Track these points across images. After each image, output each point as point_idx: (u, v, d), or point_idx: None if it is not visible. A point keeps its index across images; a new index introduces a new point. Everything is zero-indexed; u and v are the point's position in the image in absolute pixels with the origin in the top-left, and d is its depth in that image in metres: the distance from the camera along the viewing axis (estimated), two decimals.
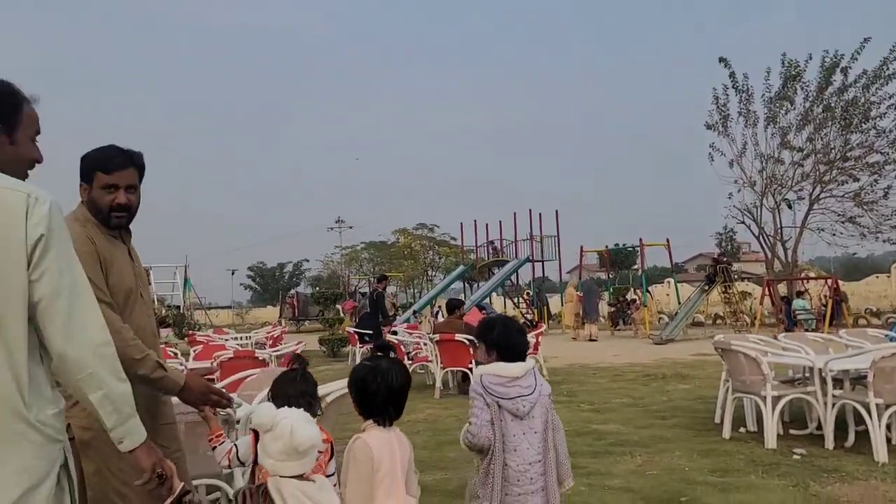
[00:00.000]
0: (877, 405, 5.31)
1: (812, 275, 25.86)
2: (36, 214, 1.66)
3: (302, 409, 2.20)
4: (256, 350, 8.88)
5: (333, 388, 4.53)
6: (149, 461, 1.84)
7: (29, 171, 1.87)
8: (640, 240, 24.48)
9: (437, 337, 9.70)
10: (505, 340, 2.91)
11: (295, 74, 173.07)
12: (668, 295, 32.95)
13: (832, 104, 22.54)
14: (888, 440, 5.46)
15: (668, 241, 24.80)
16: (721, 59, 23.90)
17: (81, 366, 1.71)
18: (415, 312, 26.36)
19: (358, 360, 14.65)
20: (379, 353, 2.47)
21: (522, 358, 2.92)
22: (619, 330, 23.71)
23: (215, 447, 2.31)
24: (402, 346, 10.99)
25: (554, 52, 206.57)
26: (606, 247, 28.78)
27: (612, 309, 25.30)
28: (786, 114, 23.42)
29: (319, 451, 2.18)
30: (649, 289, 24.46)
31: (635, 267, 43.07)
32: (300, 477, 2.08)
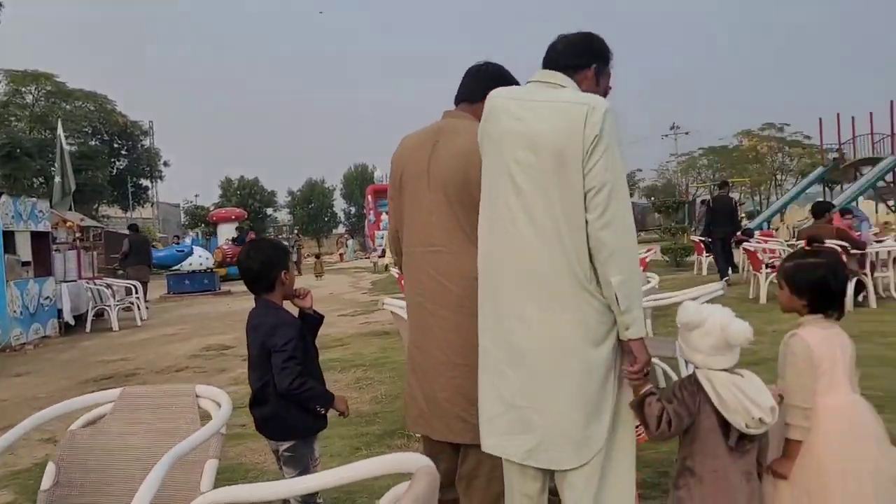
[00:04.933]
0: None
1: None
2: (592, 119, 2.02)
3: (721, 306, 2.22)
4: None
5: (703, 292, 4.49)
6: (644, 356, 2.10)
7: None
8: None
9: (802, 244, 8.86)
10: None
11: None
12: None
13: None
14: None
15: None
16: None
17: (609, 249, 2.01)
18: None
19: (704, 271, 14.22)
20: (807, 248, 2.41)
21: None
22: None
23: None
24: (757, 255, 10.30)
25: None
26: None
27: None
28: None
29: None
30: None
31: None
32: (726, 370, 2.11)
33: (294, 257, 29.00)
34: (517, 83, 2.65)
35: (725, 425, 2.05)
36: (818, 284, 2.32)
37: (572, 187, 2.03)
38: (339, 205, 66.37)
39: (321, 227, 62.86)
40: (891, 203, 25.51)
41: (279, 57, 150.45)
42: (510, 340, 2.15)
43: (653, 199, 40.91)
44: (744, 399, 2.01)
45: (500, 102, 2.23)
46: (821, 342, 2.25)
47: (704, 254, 14.39)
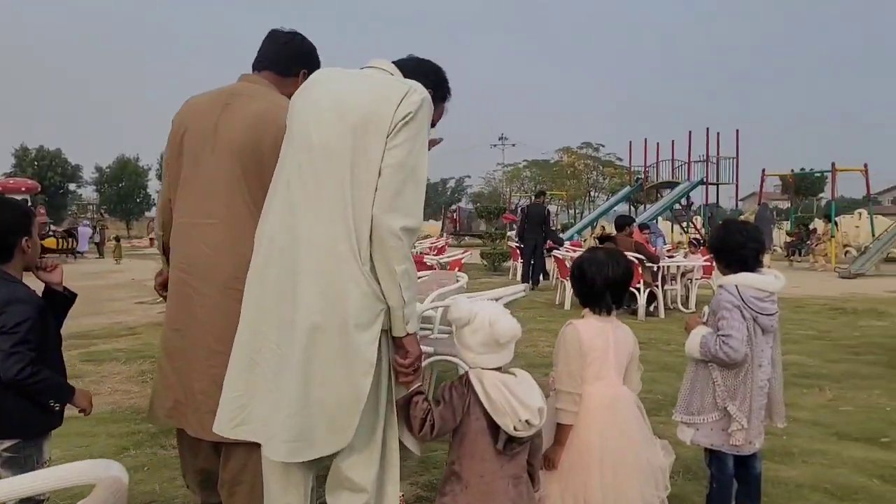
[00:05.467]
0: None
1: None
2: (410, 98, 1.92)
3: (496, 303, 2.14)
4: (424, 257, 9.09)
5: (506, 293, 4.51)
6: (417, 349, 1.98)
7: None
8: (833, 164, 22.15)
9: None
10: (748, 243, 2.77)
11: None
12: (857, 227, 29.93)
13: None
14: None
15: (865, 166, 22.28)
16: None
17: (395, 235, 1.86)
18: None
19: (519, 276, 14.79)
20: (599, 245, 2.44)
21: (760, 264, 2.79)
22: (795, 261, 21.96)
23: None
24: (565, 263, 10.83)
25: None
26: (792, 171, 26.37)
27: (791, 239, 23.38)
28: None
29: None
30: (836, 219, 22.28)
31: (821, 195, 39.49)
32: (499, 369, 2.02)
33: (97, 238, 26.63)
34: (320, 66, 2.51)
35: (495, 427, 1.96)
36: (576, 275, 2.43)
37: (370, 160, 1.89)
38: (154, 186, 61.86)
39: (132, 209, 58.26)
40: (684, 224, 28.19)
41: (92, 19, 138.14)
42: (278, 313, 1.94)
43: (477, 204, 42.28)
44: (512, 400, 1.93)
45: (320, 75, 2.13)
46: (594, 334, 2.32)
47: (520, 259, 14.96)
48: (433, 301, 4.74)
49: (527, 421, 1.91)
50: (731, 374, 2.68)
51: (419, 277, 5.90)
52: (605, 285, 2.36)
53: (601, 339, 2.32)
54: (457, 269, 8.09)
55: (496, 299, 4.46)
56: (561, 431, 2.26)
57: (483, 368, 2.00)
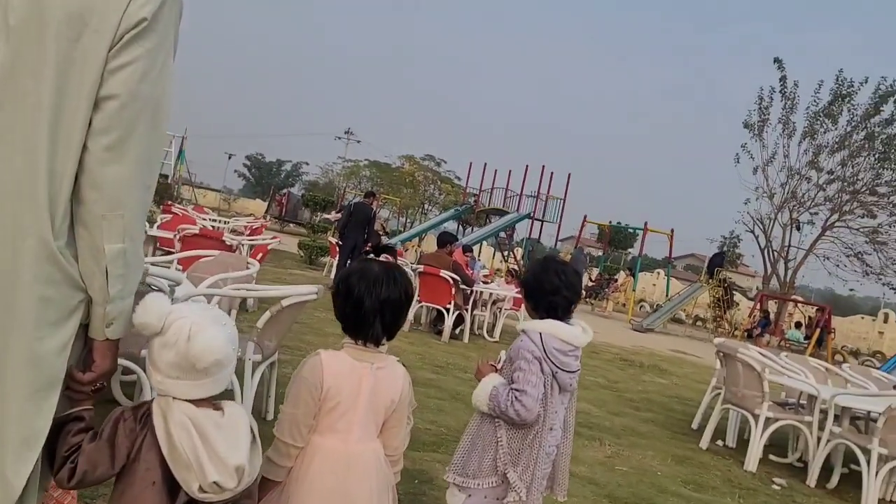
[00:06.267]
0: (879, 454, 4.80)
1: (799, 299, 25.34)
2: None
3: (213, 307, 1.56)
4: (228, 234, 8.21)
5: (295, 292, 3.93)
6: (108, 364, 1.40)
7: None
8: (646, 224, 23.80)
9: (420, 268, 9.08)
10: (563, 290, 2.42)
11: None
12: (654, 285, 32.50)
13: (875, 133, 21.70)
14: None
15: (672, 231, 24.16)
16: (776, 60, 22.88)
17: (113, 196, 1.31)
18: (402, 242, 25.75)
19: (333, 274, 14.16)
20: (374, 257, 1.86)
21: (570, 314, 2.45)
22: (595, 305, 23.29)
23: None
24: None
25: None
26: (609, 222, 28.06)
27: (592, 284, 24.80)
28: (825, 132, 22.57)
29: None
30: (638, 274, 23.97)
31: (630, 250, 42.63)
32: (199, 402, 1.44)
33: None
34: None
35: (174, 483, 1.40)
36: (341, 292, 1.85)
37: (83, 81, 1.28)
38: None
39: None
40: (505, 253, 29.03)
41: None
42: None
43: (309, 192, 40.94)
44: (201, 450, 1.38)
45: None
46: (342, 373, 1.78)
47: (337, 257, 14.34)
48: (209, 287, 4.06)
49: (216, 483, 1.37)
50: (518, 434, 2.31)
51: (205, 257, 5.17)
52: (377, 308, 1.80)
53: (350, 382, 1.78)
54: (260, 255, 7.34)
55: (286, 297, 3.88)
56: (263, 487, 1.70)
57: (174, 398, 1.42)
